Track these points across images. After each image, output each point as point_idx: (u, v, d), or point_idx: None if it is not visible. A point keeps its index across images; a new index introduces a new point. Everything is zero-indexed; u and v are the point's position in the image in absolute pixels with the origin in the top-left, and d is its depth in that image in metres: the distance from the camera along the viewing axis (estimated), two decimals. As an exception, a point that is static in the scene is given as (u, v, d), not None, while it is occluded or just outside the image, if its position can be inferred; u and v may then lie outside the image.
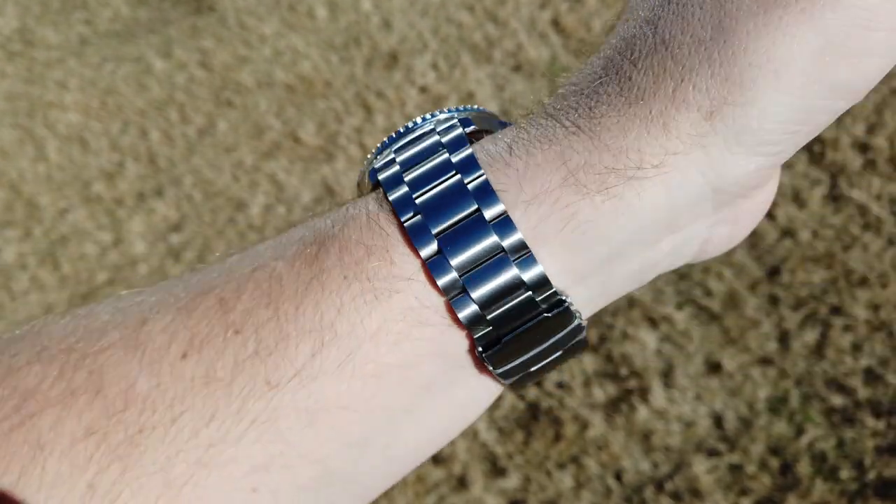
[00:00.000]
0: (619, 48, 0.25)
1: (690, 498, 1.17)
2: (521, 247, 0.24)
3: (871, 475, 1.14)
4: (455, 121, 0.27)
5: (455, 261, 0.24)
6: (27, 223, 1.82)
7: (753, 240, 1.42)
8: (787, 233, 1.41)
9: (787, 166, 1.51)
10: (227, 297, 0.25)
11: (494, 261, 0.24)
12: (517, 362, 0.26)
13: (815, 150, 1.52)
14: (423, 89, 1.85)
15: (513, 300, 0.25)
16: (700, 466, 1.19)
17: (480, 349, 0.25)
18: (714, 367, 1.29)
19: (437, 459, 1.26)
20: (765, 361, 1.28)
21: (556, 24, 1.94)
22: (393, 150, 0.27)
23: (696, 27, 0.23)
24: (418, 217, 0.25)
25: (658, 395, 1.26)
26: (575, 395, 1.29)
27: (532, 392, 1.30)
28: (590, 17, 1.93)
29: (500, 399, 1.31)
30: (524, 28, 1.94)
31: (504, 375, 0.26)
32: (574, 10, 1.96)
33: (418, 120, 0.28)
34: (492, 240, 0.24)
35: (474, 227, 0.24)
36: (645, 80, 0.24)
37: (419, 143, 0.27)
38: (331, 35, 2.04)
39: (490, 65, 1.88)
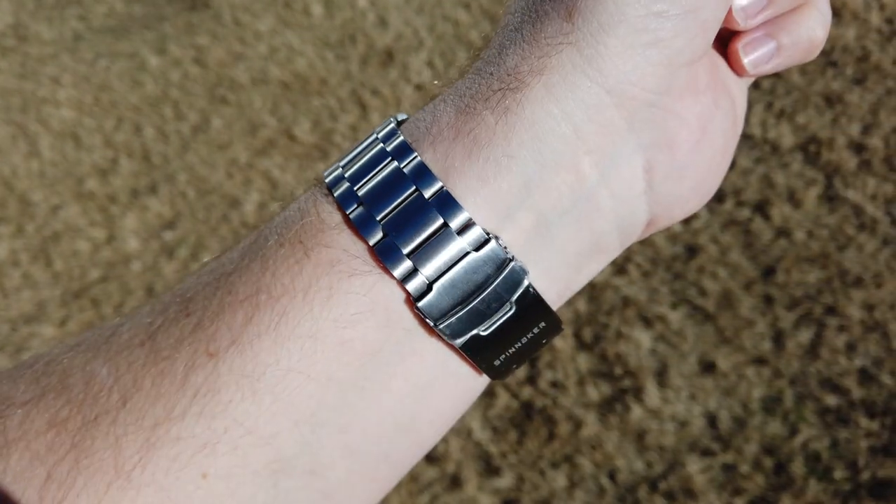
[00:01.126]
0: (506, 12, 0.28)
1: (684, 498, 1.17)
2: (439, 188, 0.25)
3: (865, 475, 1.14)
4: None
5: (376, 209, 0.25)
6: (20, 219, 1.81)
7: (748, 239, 1.42)
8: (782, 232, 1.41)
9: (783, 166, 1.51)
10: (185, 290, 0.26)
11: (412, 200, 0.25)
12: (458, 315, 0.25)
13: (811, 150, 1.52)
14: (419, 87, 1.84)
15: (433, 237, 0.25)
16: (694, 466, 1.19)
17: (414, 299, 0.25)
18: (708, 367, 1.28)
19: (430, 458, 1.25)
20: (759, 361, 1.27)
21: (552, 22, 1.93)
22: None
23: None
24: (345, 183, 0.26)
25: (652, 394, 1.26)
26: (569, 394, 1.28)
27: (526, 391, 1.30)
28: (586, 15, 1.93)
29: (493, 398, 1.30)
30: (520, 26, 1.94)
31: (451, 334, 0.26)
32: (570, 8, 1.95)
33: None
34: (408, 184, 0.25)
35: (393, 178, 0.26)
36: (516, 18, 0.27)
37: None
38: (326, 32, 2.03)
39: (486, 63, 1.87)
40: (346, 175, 0.27)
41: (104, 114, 1.96)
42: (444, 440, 1.26)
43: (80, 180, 1.85)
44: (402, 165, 0.26)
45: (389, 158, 0.26)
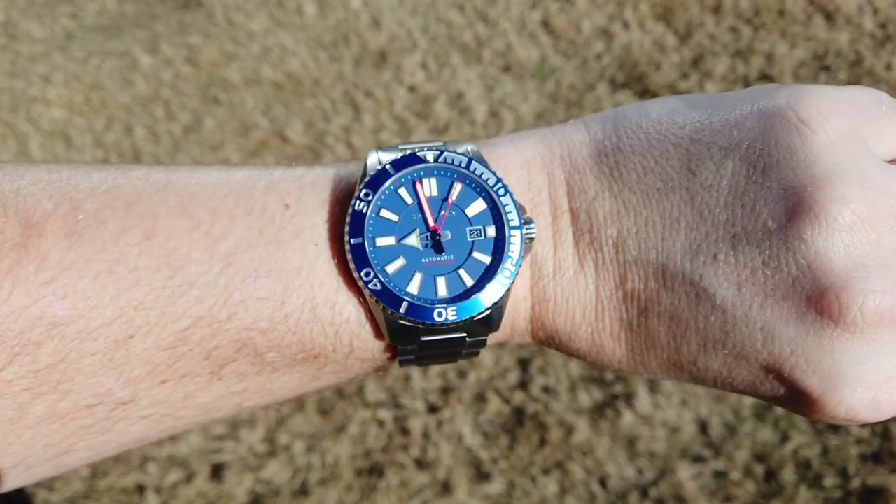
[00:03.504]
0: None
1: (675, 504, 1.17)
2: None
3: (855, 483, 1.14)
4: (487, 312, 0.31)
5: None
6: (9, 220, 1.80)
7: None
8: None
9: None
10: (215, 356, 0.29)
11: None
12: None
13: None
14: (412, 89, 1.84)
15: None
16: (685, 472, 1.19)
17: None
18: (700, 373, 1.28)
19: (421, 464, 1.25)
20: (751, 367, 1.27)
21: (546, 24, 1.93)
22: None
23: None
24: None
25: (644, 400, 1.26)
26: (560, 399, 1.28)
27: (518, 397, 1.29)
28: (580, 18, 1.92)
29: (485, 403, 1.30)
30: (514, 28, 1.93)
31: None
32: (564, 10, 1.95)
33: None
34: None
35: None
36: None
37: (446, 335, 0.32)
38: (319, 32, 2.02)
39: (479, 65, 1.87)
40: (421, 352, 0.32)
41: (95, 113, 1.95)
42: (435, 445, 1.26)
43: (71, 180, 1.84)
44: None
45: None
